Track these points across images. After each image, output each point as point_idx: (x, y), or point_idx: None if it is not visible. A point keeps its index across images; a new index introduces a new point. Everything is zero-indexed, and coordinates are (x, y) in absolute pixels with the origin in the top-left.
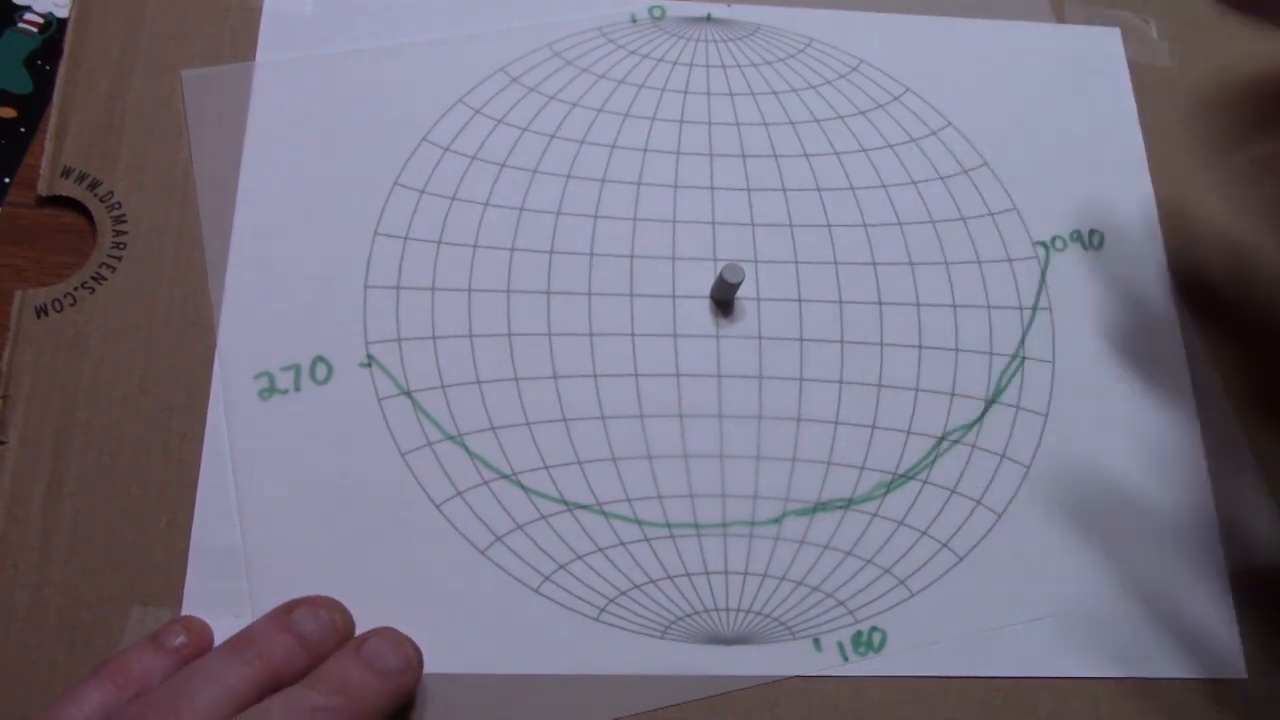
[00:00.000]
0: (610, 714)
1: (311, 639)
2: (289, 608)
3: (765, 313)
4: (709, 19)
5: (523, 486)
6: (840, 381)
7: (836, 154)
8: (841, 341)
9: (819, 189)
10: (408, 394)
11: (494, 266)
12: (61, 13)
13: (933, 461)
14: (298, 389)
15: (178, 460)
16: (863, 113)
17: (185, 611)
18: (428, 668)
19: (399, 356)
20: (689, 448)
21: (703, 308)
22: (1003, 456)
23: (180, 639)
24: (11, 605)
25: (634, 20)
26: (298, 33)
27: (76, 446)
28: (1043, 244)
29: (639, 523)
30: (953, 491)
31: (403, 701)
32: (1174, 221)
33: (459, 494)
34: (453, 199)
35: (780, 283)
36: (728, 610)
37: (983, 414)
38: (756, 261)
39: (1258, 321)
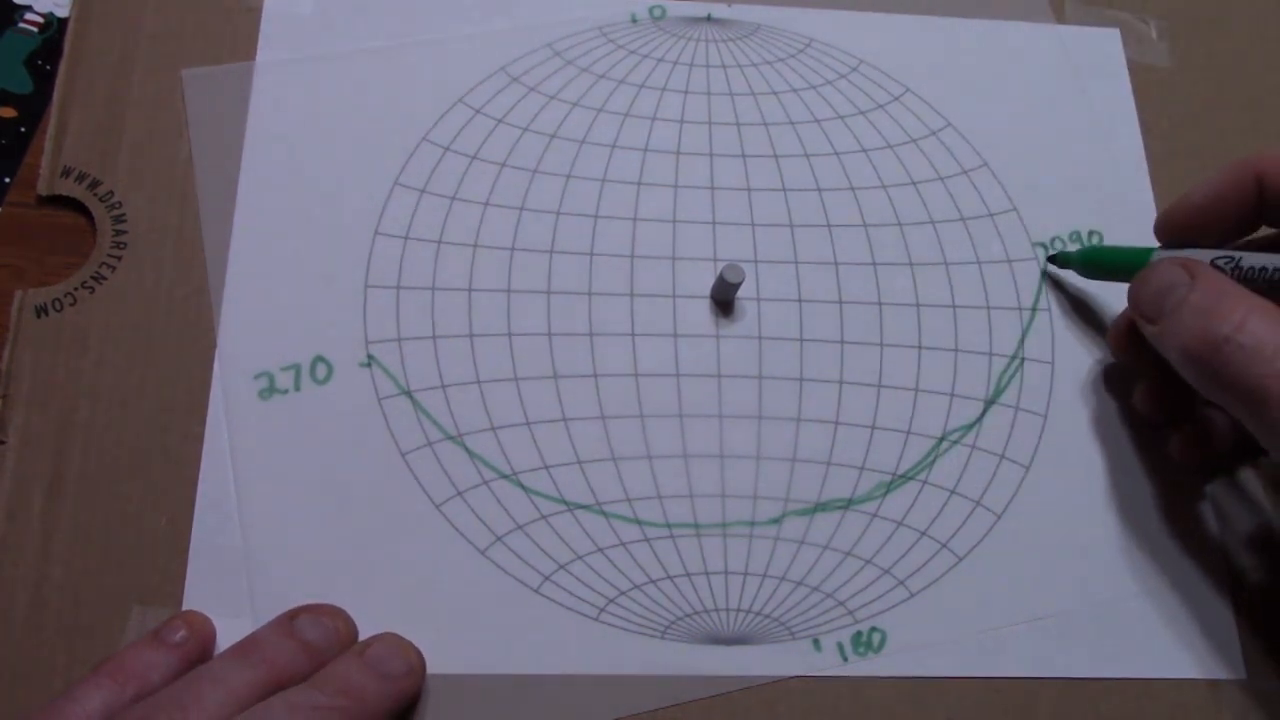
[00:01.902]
0: (610, 714)
1: (315, 645)
2: (292, 614)
3: (765, 313)
4: (709, 19)
5: (523, 486)
6: (840, 381)
7: (836, 154)
8: (841, 341)
9: (819, 189)
10: (408, 394)
11: (494, 266)
12: (61, 13)
13: (932, 462)
14: (298, 389)
15: (178, 460)
16: (863, 113)
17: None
18: (427, 668)
19: (399, 356)
20: (689, 448)
21: (703, 308)
22: (1002, 457)
23: (181, 633)
24: (11, 605)
25: (634, 20)
26: (298, 33)
27: (76, 446)
28: (1042, 244)
29: (639, 523)
30: (952, 492)
31: (404, 706)
32: None
33: (459, 494)
34: (453, 199)
35: (780, 283)
36: (728, 610)
37: (982, 414)
38: (756, 261)
39: None
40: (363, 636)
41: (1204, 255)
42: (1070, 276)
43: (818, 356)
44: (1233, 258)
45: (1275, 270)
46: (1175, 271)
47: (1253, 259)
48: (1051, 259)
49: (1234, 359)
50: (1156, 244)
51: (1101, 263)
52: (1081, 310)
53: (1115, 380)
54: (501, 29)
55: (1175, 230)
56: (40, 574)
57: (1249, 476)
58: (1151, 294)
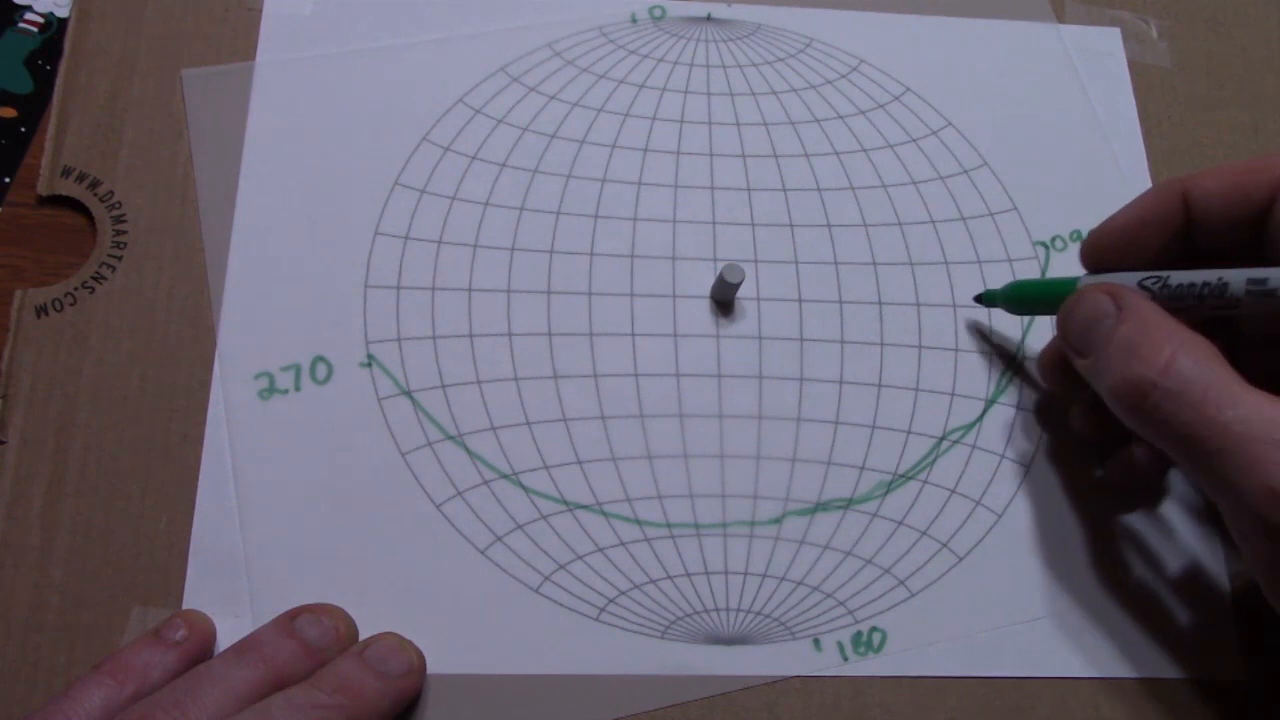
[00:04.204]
0: (610, 714)
1: (315, 644)
2: (292, 614)
3: (765, 313)
4: (709, 19)
5: (523, 486)
6: (840, 381)
7: (836, 154)
8: (841, 341)
9: (819, 189)
10: (408, 394)
11: (494, 266)
12: (62, 13)
13: (933, 461)
14: (298, 389)
15: (178, 460)
16: (863, 113)
17: None
18: (427, 668)
19: (399, 356)
20: (689, 448)
21: (703, 308)
22: (1002, 457)
23: (181, 632)
24: (11, 605)
25: (634, 20)
26: (298, 33)
27: (76, 446)
28: (1043, 244)
29: (639, 523)
30: (953, 492)
31: (404, 706)
32: None
33: (459, 494)
34: (453, 199)
35: (780, 283)
36: (728, 610)
37: (983, 414)
38: (756, 261)
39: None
40: (363, 636)
41: (1130, 278)
42: (998, 315)
43: (818, 356)
44: (1160, 277)
45: (1204, 285)
46: (1102, 301)
47: (1181, 276)
48: (977, 299)
49: (1162, 405)
50: (1085, 271)
51: (1027, 297)
52: None
53: None
54: (501, 29)
55: (1100, 255)
56: (40, 574)
57: None
58: (1079, 326)
